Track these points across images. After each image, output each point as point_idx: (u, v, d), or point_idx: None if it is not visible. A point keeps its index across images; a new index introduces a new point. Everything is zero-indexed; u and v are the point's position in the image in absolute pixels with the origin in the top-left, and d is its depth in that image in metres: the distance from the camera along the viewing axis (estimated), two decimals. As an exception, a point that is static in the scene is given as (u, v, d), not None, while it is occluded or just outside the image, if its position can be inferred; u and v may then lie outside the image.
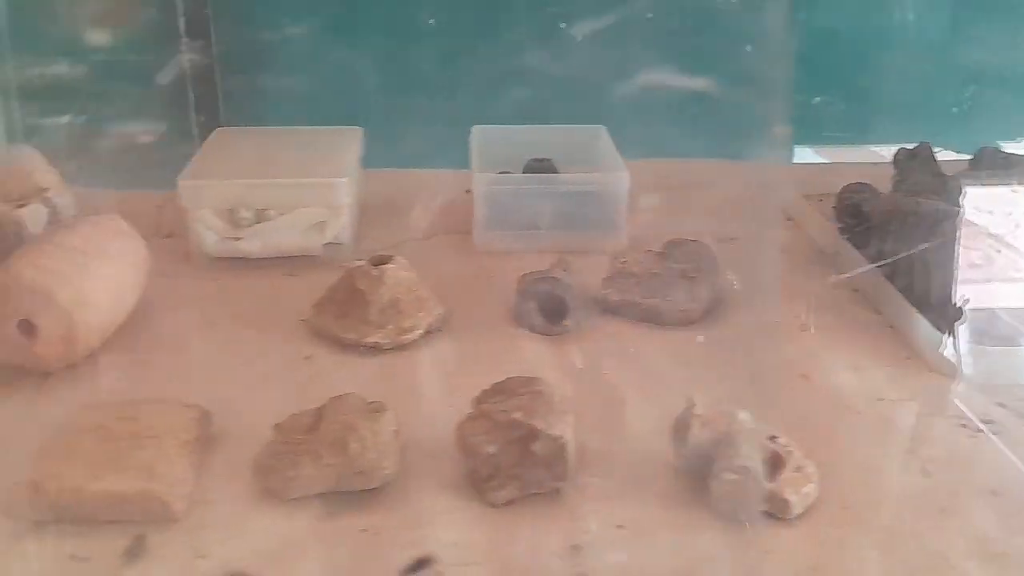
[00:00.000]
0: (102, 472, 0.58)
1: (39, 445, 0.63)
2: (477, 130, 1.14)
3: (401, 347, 0.78)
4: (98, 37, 1.36)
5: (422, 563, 0.52)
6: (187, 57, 1.39)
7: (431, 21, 1.27)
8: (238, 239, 0.95)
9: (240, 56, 1.38)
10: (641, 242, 0.96)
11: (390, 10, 1.31)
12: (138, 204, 1.09)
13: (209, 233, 0.94)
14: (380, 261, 0.82)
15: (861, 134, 1.48)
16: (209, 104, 1.43)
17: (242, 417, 0.68)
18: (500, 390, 0.62)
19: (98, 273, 0.76)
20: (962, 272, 0.83)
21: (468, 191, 1.19)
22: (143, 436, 0.62)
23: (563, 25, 1.31)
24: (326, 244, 0.96)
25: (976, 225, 1.03)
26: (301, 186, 0.94)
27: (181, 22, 1.38)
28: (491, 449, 0.59)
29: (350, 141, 1.06)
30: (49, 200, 0.97)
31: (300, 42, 1.39)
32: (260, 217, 0.95)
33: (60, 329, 0.72)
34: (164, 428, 0.63)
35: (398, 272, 0.80)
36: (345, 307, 0.79)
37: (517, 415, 0.59)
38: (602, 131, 1.15)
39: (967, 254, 0.89)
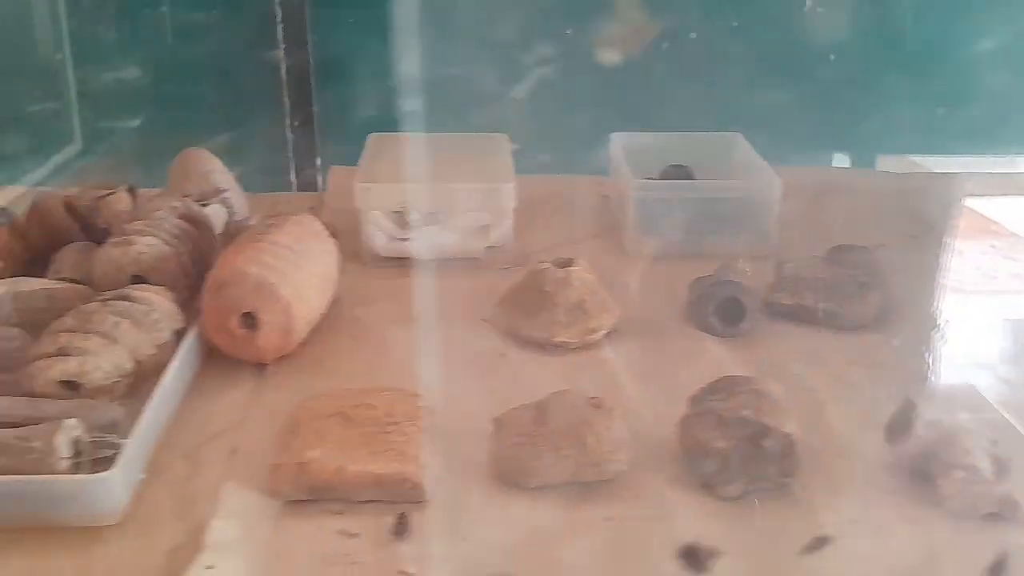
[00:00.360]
0: (356, 455, 0.62)
1: (282, 430, 0.68)
2: (617, 137, 1.18)
3: (587, 347, 0.82)
4: (191, 41, 1.41)
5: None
6: (284, 63, 1.44)
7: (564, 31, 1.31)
8: (406, 240, 0.99)
9: (337, 61, 1.43)
10: (789, 248, 0.99)
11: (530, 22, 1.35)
12: (288, 205, 1.14)
13: (379, 234, 0.99)
14: (564, 264, 0.85)
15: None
16: (304, 110, 1.48)
17: (454, 409, 0.72)
18: (718, 389, 0.66)
19: (307, 270, 0.81)
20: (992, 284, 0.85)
21: (605, 196, 1.23)
22: (384, 423, 0.66)
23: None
24: (487, 247, 1.00)
25: (1018, 236, 1.06)
26: (469, 190, 0.99)
27: (279, 29, 1.43)
28: (721, 445, 0.62)
29: (502, 147, 1.10)
30: (227, 201, 1.02)
31: (396, 48, 1.43)
32: (428, 219, 1.00)
33: (281, 322, 0.76)
34: (401, 415, 0.67)
35: (583, 274, 0.84)
36: (532, 307, 0.83)
37: (746, 413, 0.62)
38: (739, 138, 1.18)
39: (1008, 265, 0.92)
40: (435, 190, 0.98)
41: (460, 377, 0.78)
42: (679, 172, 1.14)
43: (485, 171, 1.03)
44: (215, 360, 0.79)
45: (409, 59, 1.44)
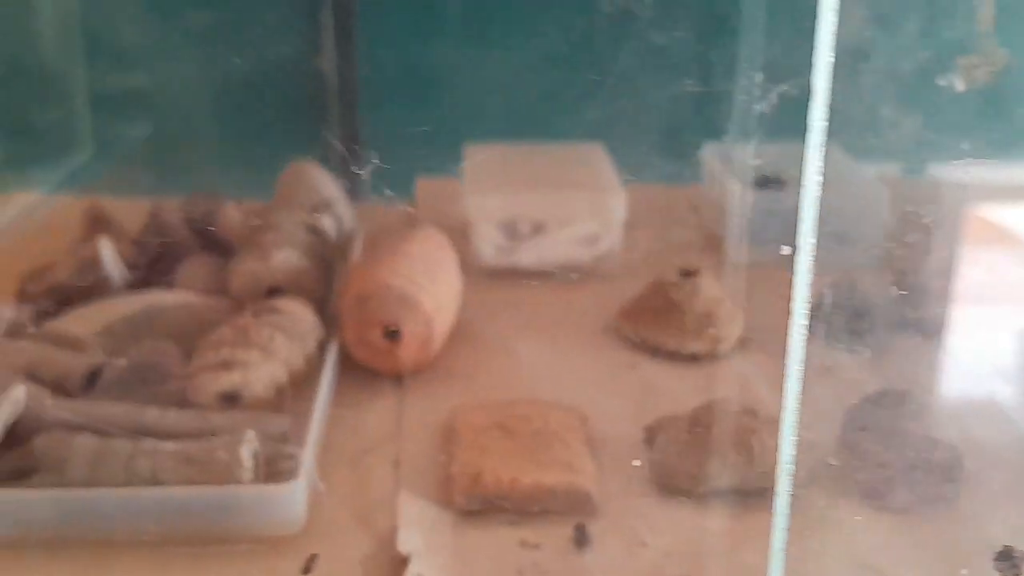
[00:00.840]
0: (525, 466, 0.63)
1: (438, 441, 0.69)
2: (710, 148, 1.19)
3: (717, 356, 0.83)
4: (219, 47, 1.39)
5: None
6: (332, 74, 1.45)
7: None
8: (515, 251, 1.00)
9: (384, 73, 1.43)
10: (899, 259, 1.00)
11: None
12: (383, 217, 1.16)
13: (488, 245, 1.00)
14: (689, 273, 0.86)
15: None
16: (350, 122, 1.49)
17: (598, 418, 0.73)
18: (879, 401, 0.66)
19: (439, 282, 0.82)
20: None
21: (694, 206, 1.24)
22: (544, 434, 0.67)
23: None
24: (595, 257, 1.01)
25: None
26: (579, 200, 1.00)
27: (331, 36, 1.45)
28: (889, 457, 0.63)
29: (600, 157, 1.11)
30: (336, 213, 1.03)
31: (448, 58, 1.44)
32: (535, 230, 1.01)
33: (422, 334, 0.77)
34: (559, 427, 0.68)
35: (710, 283, 0.85)
36: (660, 317, 0.84)
37: (912, 425, 0.63)
38: (833, 148, 1.18)
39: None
40: (546, 200, 1.00)
41: (595, 387, 0.79)
42: (773, 182, 1.15)
43: (591, 181, 1.04)
44: (350, 371, 0.80)
45: (466, 67, 1.45)
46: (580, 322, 0.90)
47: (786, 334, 0.87)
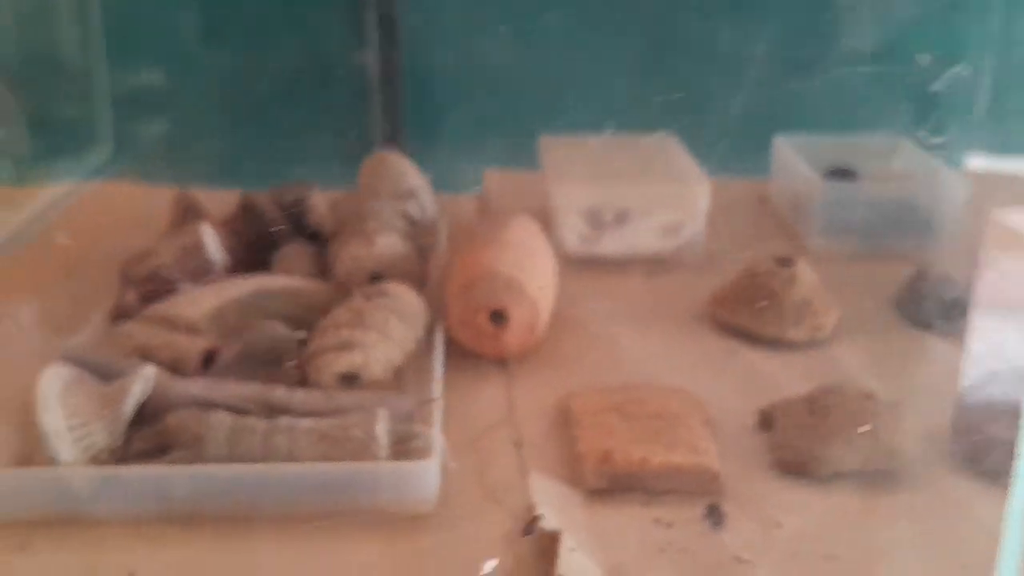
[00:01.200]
0: (653, 448, 0.64)
1: (556, 423, 0.70)
2: (781, 140, 1.20)
3: (814, 344, 0.83)
4: (242, 42, 1.38)
5: None
6: (375, 65, 1.46)
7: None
8: (599, 240, 1.01)
9: (428, 64, 1.44)
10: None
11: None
12: (455, 205, 1.17)
13: (572, 233, 1.01)
14: (785, 262, 0.87)
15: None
16: (393, 112, 1.49)
17: (708, 403, 0.73)
18: (993, 382, 0.67)
19: (539, 268, 0.83)
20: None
21: (762, 198, 1.24)
22: (664, 416, 0.67)
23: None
24: (677, 246, 1.02)
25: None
26: (665, 189, 1.00)
27: (376, 34, 1.45)
28: (1009, 437, 0.63)
29: (676, 147, 1.12)
30: (420, 201, 1.04)
31: (492, 50, 1.44)
32: (620, 218, 1.02)
33: (527, 319, 0.78)
34: (678, 410, 0.68)
35: (807, 271, 0.85)
36: (756, 305, 0.85)
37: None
38: (903, 141, 1.19)
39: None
40: (631, 189, 1.00)
41: (697, 373, 0.79)
42: (845, 174, 1.15)
43: (674, 170, 1.04)
44: (454, 356, 0.80)
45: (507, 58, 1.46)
46: (671, 310, 0.91)
47: (878, 321, 0.88)
